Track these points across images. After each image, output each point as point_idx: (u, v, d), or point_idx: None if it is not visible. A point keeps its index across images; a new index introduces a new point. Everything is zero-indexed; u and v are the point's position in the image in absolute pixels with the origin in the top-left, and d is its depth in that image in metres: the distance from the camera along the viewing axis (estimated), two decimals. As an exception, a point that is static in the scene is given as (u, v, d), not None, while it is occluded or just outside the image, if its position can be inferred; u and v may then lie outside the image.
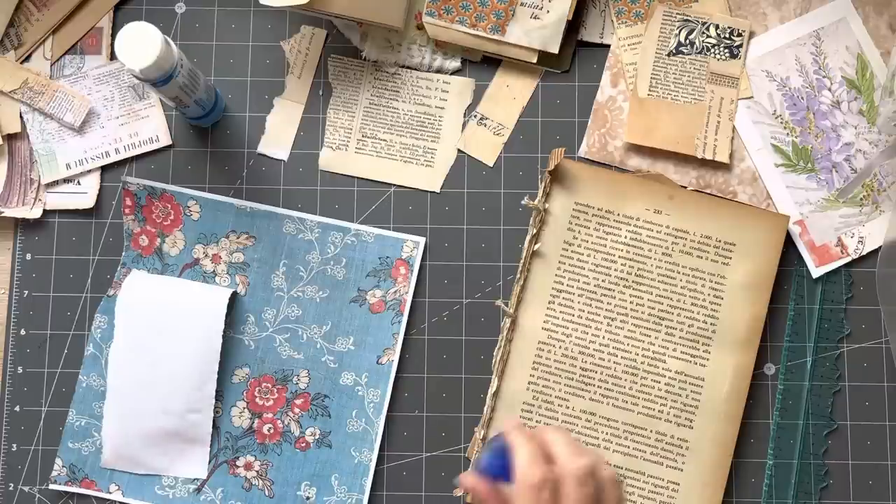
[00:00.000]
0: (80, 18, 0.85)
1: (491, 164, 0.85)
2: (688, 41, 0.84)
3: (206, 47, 0.86)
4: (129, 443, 0.81)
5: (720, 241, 0.81)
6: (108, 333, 0.82)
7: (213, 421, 0.81)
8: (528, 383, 0.81)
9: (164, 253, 0.83)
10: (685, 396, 0.80)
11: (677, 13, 0.85)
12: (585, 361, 0.81)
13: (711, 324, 0.81)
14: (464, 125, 0.85)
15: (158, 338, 0.81)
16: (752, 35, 0.85)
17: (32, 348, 0.82)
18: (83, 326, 0.83)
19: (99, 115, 0.84)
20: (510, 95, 0.85)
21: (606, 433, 0.80)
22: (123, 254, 0.83)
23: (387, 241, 0.83)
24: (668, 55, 0.84)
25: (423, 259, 0.83)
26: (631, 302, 0.81)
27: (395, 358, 0.82)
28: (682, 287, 0.81)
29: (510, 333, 0.81)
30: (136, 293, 0.81)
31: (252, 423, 0.81)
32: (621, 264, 0.81)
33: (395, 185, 0.84)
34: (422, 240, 0.83)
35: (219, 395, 0.81)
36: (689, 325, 0.81)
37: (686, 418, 0.80)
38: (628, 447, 0.80)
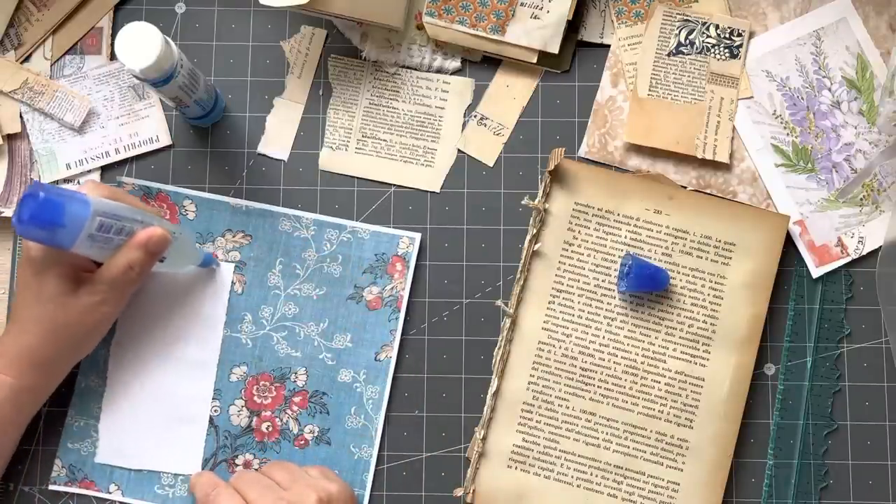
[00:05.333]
0: (80, 18, 0.85)
1: (491, 164, 0.85)
2: (688, 41, 0.84)
3: (206, 47, 0.86)
4: (124, 435, 0.81)
5: (720, 241, 0.81)
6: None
7: (212, 419, 0.81)
8: (528, 383, 0.81)
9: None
10: (685, 396, 0.80)
11: (677, 13, 0.85)
12: (585, 361, 0.81)
13: (711, 324, 0.81)
14: (464, 125, 0.85)
15: (161, 322, 0.82)
16: (752, 35, 0.85)
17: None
18: (83, 326, 0.83)
19: (99, 115, 0.84)
20: (510, 95, 0.85)
21: (606, 433, 0.80)
22: (121, 254, 0.83)
23: (382, 238, 0.83)
24: (668, 55, 0.84)
25: (423, 259, 0.83)
26: (631, 302, 0.81)
27: (394, 354, 0.82)
28: (681, 287, 0.81)
29: (510, 333, 0.81)
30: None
31: (251, 421, 0.81)
32: (621, 264, 0.81)
33: (395, 185, 0.84)
34: (417, 236, 0.83)
35: (217, 393, 0.82)
36: (689, 325, 0.81)
37: (686, 418, 0.80)
38: (628, 447, 0.80)
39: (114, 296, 0.74)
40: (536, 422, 0.80)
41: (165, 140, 0.85)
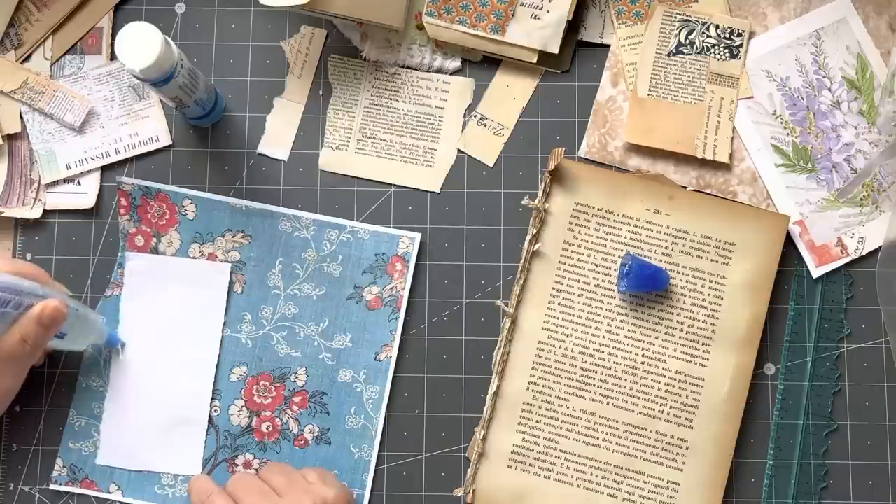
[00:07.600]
0: (80, 18, 0.85)
1: (491, 164, 0.85)
2: (688, 41, 0.84)
3: (206, 47, 0.86)
4: (125, 436, 0.81)
5: (720, 241, 0.81)
6: (106, 334, 0.82)
7: (212, 419, 0.81)
8: (528, 383, 0.81)
9: (161, 253, 0.83)
10: (685, 396, 0.80)
11: (677, 13, 0.85)
12: (585, 361, 0.81)
13: (711, 324, 0.81)
14: (464, 125, 0.85)
15: (162, 322, 0.82)
16: (752, 35, 0.85)
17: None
18: (83, 326, 0.83)
19: (99, 115, 0.84)
20: (510, 95, 0.85)
21: (606, 433, 0.80)
22: (119, 254, 0.83)
23: (382, 238, 0.83)
24: (668, 55, 0.84)
25: (423, 259, 0.83)
26: (631, 302, 0.81)
27: (394, 354, 0.82)
28: (681, 287, 0.81)
29: (510, 333, 0.81)
30: (139, 278, 0.83)
31: (250, 421, 0.81)
32: (621, 264, 0.81)
33: (395, 185, 0.84)
34: (417, 235, 0.83)
35: (217, 393, 0.82)
36: (689, 325, 0.81)
37: (686, 418, 0.80)
38: (628, 447, 0.80)
39: (11, 370, 0.73)
40: (536, 422, 0.80)
41: (165, 140, 0.85)
